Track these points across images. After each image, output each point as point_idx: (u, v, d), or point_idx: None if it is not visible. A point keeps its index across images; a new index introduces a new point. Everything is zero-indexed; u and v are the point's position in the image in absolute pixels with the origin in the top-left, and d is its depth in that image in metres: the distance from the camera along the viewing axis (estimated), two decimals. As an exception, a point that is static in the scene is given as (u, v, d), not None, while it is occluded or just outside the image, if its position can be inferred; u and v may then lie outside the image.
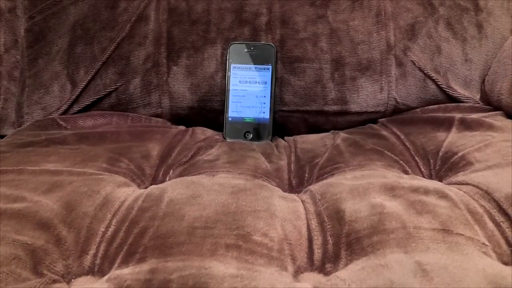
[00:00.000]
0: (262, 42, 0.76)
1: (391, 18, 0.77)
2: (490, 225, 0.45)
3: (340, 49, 0.76)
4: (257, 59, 0.75)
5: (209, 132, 0.75)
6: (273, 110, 0.75)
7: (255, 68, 0.75)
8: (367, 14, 0.77)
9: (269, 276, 0.40)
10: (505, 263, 0.42)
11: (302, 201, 0.52)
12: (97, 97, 0.77)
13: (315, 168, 0.62)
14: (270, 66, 0.74)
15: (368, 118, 0.78)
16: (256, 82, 0.74)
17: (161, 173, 0.62)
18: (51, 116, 0.76)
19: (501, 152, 0.56)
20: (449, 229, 0.43)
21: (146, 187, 0.56)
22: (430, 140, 0.65)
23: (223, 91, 0.76)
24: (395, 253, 0.41)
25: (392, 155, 0.63)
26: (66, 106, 0.77)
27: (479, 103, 0.77)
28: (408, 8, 0.78)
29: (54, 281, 0.42)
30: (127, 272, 0.41)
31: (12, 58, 0.81)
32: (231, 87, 0.75)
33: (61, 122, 0.73)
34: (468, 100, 0.77)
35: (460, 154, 0.59)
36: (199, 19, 0.77)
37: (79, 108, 0.78)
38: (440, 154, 0.61)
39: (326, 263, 0.44)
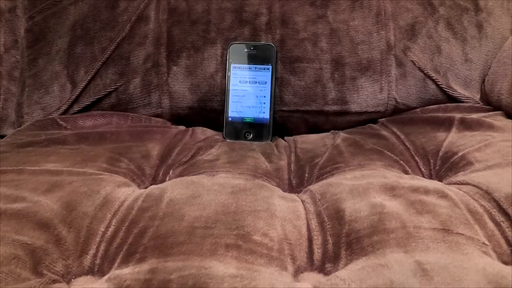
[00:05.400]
0: (262, 42, 0.76)
1: (391, 18, 0.77)
2: (490, 224, 0.45)
3: (340, 49, 0.76)
4: (257, 59, 0.75)
5: (209, 132, 0.75)
6: (273, 110, 0.75)
7: (255, 68, 0.75)
8: (367, 14, 0.77)
9: (269, 276, 0.40)
10: (505, 263, 0.42)
11: (302, 201, 0.52)
12: (97, 97, 0.77)
13: (315, 168, 0.62)
14: (270, 66, 0.74)
15: (368, 118, 0.78)
16: (256, 82, 0.74)
17: (161, 173, 0.62)
18: (51, 116, 0.76)
19: (501, 152, 0.56)
20: (449, 228, 0.43)
21: (146, 187, 0.56)
22: (430, 140, 0.65)
23: (223, 91, 0.76)
24: (395, 252, 0.40)
25: (392, 155, 0.63)
26: (66, 106, 0.77)
27: (479, 103, 0.77)
28: (408, 8, 0.78)
29: (54, 281, 0.42)
30: (127, 272, 0.41)
31: (12, 58, 0.81)
32: (231, 87, 0.75)
33: (61, 122, 0.73)
34: (468, 100, 0.77)
35: (460, 154, 0.59)
36: (199, 19, 0.77)
37: (79, 108, 0.78)
38: (440, 154, 0.61)
39: (326, 262, 0.44)
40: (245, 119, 0.74)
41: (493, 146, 0.58)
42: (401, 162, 0.62)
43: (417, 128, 0.70)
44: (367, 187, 0.50)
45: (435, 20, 0.78)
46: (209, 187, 0.51)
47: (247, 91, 0.75)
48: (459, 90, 0.78)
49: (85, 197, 0.50)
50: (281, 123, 0.78)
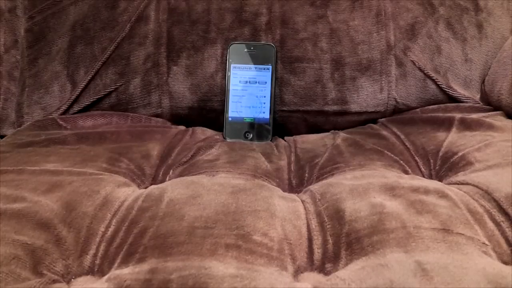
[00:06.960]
0: (262, 42, 0.76)
1: (391, 18, 0.77)
2: (490, 224, 0.45)
3: (340, 49, 0.76)
4: (257, 59, 0.75)
5: (209, 132, 0.75)
6: (273, 110, 0.75)
7: (255, 68, 0.75)
8: (367, 14, 0.77)
9: (269, 276, 0.40)
10: (505, 263, 0.42)
11: (302, 201, 0.52)
12: (97, 97, 0.77)
13: (315, 168, 0.62)
14: (270, 66, 0.74)
15: (368, 118, 0.78)
16: (256, 82, 0.74)
17: (161, 173, 0.62)
18: (51, 116, 0.76)
19: (501, 152, 0.56)
20: (449, 228, 0.43)
21: (146, 187, 0.56)
22: (430, 140, 0.65)
23: (223, 91, 0.76)
24: (395, 252, 0.40)
25: (392, 155, 0.63)
26: (66, 106, 0.77)
27: (479, 103, 0.77)
28: (408, 8, 0.78)
29: (54, 281, 0.42)
30: (127, 272, 0.41)
31: (12, 58, 0.81)
32: (231, 87, 0.75)
33: (61, 122, 0.73)
34: (468, 100, 0.77)
35: (460, 154, 0.59)
36: (199, 19, 0.77)
37: (79, 108, 0.78)
38: (440, 154, 0.61)
39: (326, 262, 0.44)
40: (245, 119, 0.74)
41: (493, 146, 0.58)
42: (401, 162, 0.62)
43: (417, 128, 0.70)
44: (367, 187, 0.50)
45: (435, 20, 0.78)
46: (209, 187, 0.51)
47: (247, 91, 0.75)
48: (459, 90, 0.78)
49: (85, 197, 0.50)
50: (281, 123, 0.78)
